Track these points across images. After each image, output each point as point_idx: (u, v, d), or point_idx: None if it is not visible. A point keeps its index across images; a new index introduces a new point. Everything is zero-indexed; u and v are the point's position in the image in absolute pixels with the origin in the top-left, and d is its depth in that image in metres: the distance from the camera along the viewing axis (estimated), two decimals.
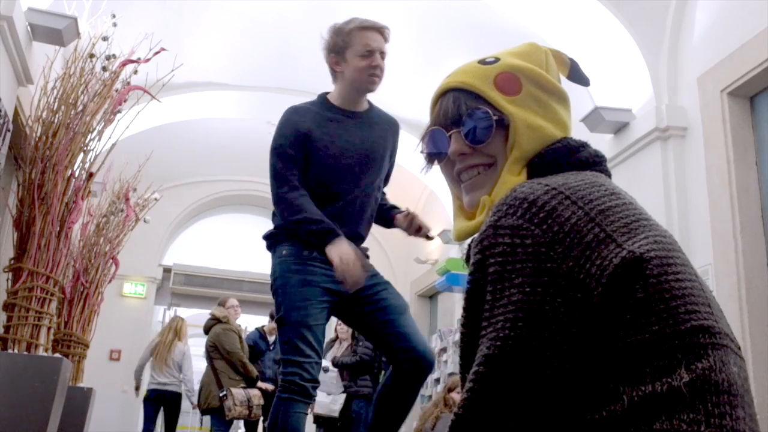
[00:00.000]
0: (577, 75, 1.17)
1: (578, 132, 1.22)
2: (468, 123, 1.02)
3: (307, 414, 2.37)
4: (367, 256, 2.55)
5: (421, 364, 2.38)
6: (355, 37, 2.47)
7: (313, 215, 2.36)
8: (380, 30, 2.49)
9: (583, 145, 1.02)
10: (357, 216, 2.52)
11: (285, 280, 2.38)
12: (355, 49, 2.46)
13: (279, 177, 2.44)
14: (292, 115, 2.51)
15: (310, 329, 2.32)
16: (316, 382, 2.34)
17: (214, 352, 5.91)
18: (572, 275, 0.79)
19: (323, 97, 2.60)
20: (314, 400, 2.41)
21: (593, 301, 0.78)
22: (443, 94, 1.07)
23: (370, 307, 2.46)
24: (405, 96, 5.99)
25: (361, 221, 2.55)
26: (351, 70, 2.48)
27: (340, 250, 2.29)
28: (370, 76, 2.47)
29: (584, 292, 0.78)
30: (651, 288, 0.79)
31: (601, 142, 4.31)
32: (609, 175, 1.02)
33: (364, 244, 2.60)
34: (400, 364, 2.39)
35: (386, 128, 2.66)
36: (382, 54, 2.48)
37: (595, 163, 1.00)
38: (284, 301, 2.37)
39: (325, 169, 2.47)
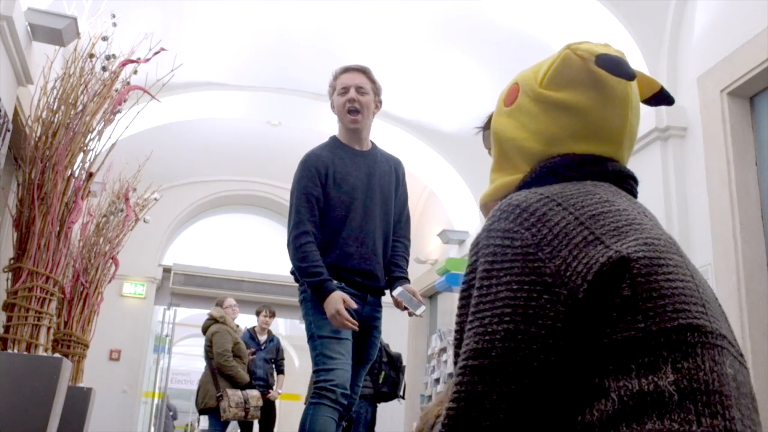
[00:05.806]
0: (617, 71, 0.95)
1: None
2: None
3: (336, 420, 2.44)
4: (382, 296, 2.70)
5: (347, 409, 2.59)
6: (338, 79, 2.71)
7: (313, 265, 2.50)
8: (359, 70, 2.70)
9: (583, 162, 0.97)
10: (370, 256, 2.63)
11: (316, 302, 2.54)
12: (337, 90, 2.70)
13: (298, 221, 2.57)
14: (310, 158, 2.66)
15: (339, 341, 2.49)
16: (345, 389, 2.45)
17: (210, 351, 5.92)
18: (559, 273, 0.81)
19: (333, 137, 2.76)
20: (345, 410, 2.48)
21: (579, 297, 0.80)
22: None
23: (360, 343, 2.65)
24: (406, 98, 5.98)
25: (375, 261, 2.65)
26: (336, 109, 2.71)
27: (330, 307, 2.44)
28: (348, 112, 2.65)
29: (570, 289, 0.80)
30: (638, 287, 0.80)
31: None
32: (623, 188, 0.98)
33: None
34: None
35: (390, 166, 2.79)
36: (360, 89, 2.66)
37: (607, 177, 0.97)
38: (314, 320, 2.55)
39: (339, 207, 2.61)
